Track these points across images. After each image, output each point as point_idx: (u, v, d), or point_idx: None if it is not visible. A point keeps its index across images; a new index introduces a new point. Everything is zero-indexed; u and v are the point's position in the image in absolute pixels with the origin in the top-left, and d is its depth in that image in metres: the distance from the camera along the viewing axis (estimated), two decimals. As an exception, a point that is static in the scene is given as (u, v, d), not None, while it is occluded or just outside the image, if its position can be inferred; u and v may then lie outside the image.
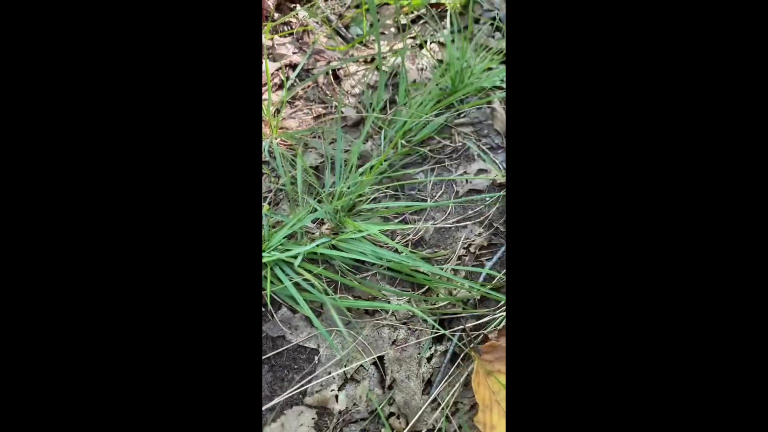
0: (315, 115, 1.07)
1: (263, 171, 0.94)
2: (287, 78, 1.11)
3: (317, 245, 0.76)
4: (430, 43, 1.21)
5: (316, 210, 0.82)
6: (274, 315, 0.76)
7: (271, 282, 0.74)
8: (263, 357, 0.72)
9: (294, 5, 1.29)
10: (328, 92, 1.12)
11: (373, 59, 1.17)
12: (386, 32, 1.27)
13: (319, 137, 0.99)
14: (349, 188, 0.84)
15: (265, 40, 1.19)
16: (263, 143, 0.96)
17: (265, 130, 0.97)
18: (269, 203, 0.88)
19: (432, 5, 1.30)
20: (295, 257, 0.74)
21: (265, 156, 0.94)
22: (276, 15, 1.25)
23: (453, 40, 1.15)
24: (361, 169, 0.88)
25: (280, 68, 1.13)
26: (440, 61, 1.15)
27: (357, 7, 1.33)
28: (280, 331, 0.74)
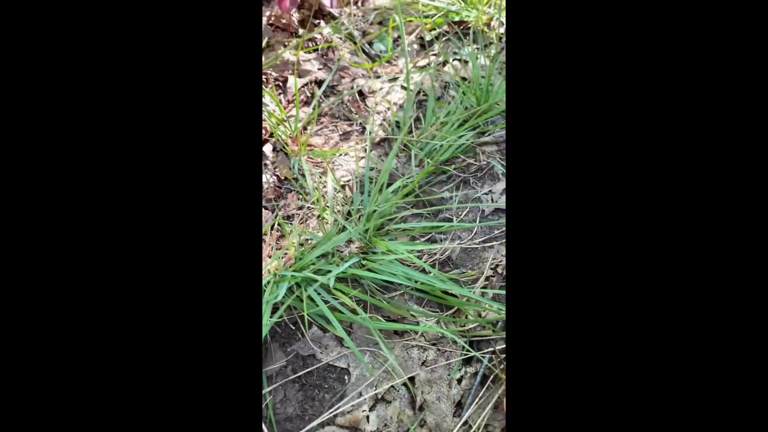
0: (341, 132, 1.08)
1: (292, 188, 0.95)
2: (313, 95, 1.13)
3: (349, 266, 0.77)
4: (453, 60, 1.22)
5: (345, 229, 0.84)
6: (305, 334, 0.77)
7: (300, 300, 0.76)
8: (294, 376, 0.73)
9: (318, 21, 1.30)
10: (352, 109, 1.13)
11: (396, 78, 1.19)
12: (409, 48, 1.29)
13: (346, 155, 1.00)
14: (378, 208, 0.85)
15: (291, 56, 1.20)
16: (291, 161, 0.97)
17: (293, 147, 0.99)
18: (300, 221, 0.89)
19: (455, 23, 1.31)
20: (328, 278, 0.75)
21: (294, 173, 0.95)
22: (300, 31, 1.27)
23: (477, 57, 1.16)
24: (391, 188, 0.89)
25: (306, 84, 1.14)
26: (464, 79, 1.16)
27: (380, 23, 1.35)
28: (310, 350, 0.75)
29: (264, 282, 0.75)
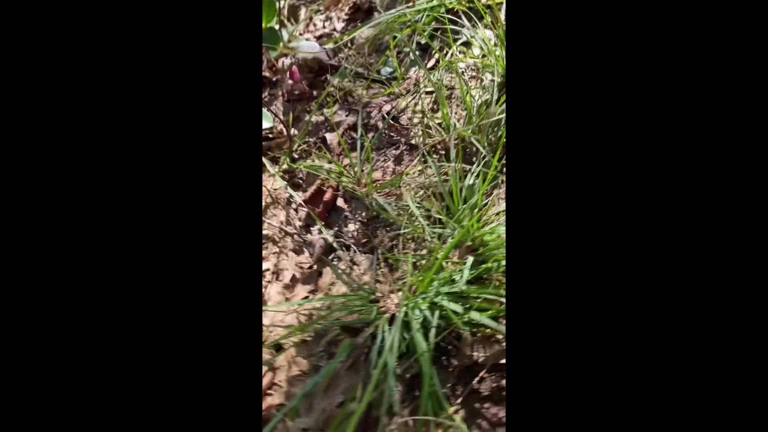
0: (392, 158, 1.12)
1: (378, 225, 0.98)
2: (353, 140, 1.18)
3: (470, 268, 0.78)
4: (459, 44, 1.24)
5: (446, 240, 0.85)
6: (459, 346, 0.77)
7: (443, 318, 0.76)
8: (468, 388, 0.74)
9: (324, 76, 1.37)
10: (392, 134, 1.17)
11: (416, 88, 1.22)
12: (413, 57, 1.32)
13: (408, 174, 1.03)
14: (467, 206, 0.86)
15: (316, 117, 1.27)
16: (365, 202, 1.01)
17: (362, 189, 1.03)
18: (400, 251, 0.91)
19: (443, 15, 1.34)
20: (459, 286, 0.76)
21: (375, 211, 0.99)
22: (314, 92, 1.34)
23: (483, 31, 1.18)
24: (468, 179, 0.90)
25: (343, 133, 1.20)
26: (482, 63, 1.17)
27: (376, 51, 1.40)
28: (470, 360, 0.76)
29: (402, 313, 0.77)
